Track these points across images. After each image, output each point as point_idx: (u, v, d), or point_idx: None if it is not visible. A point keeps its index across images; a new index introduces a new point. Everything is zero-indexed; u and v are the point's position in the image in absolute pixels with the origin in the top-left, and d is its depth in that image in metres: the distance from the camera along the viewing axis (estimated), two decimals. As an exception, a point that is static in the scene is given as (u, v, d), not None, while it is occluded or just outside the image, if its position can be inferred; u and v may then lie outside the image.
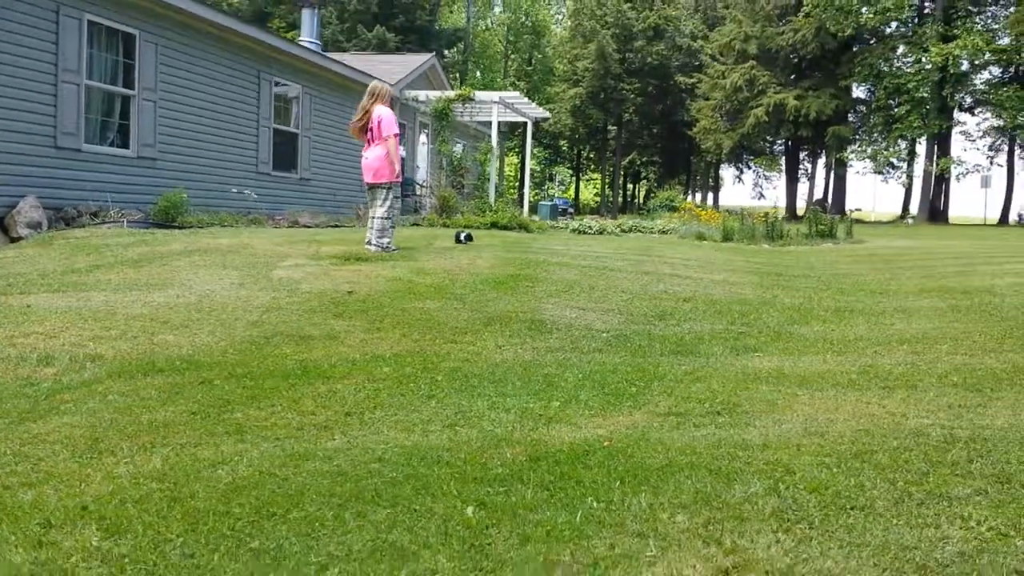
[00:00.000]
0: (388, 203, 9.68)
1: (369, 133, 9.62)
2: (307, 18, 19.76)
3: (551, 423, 3.98)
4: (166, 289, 7.08)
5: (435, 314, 6.70)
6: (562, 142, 62.25)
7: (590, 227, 19.99)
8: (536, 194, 41.44)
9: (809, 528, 2.61)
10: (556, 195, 46.82)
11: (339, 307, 6.80)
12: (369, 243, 9.77)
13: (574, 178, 66.69)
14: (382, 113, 9.56)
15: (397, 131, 9.69)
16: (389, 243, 9.70)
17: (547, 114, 29.20)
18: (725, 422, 3.93)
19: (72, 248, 8.90)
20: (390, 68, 20.18)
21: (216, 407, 4.19)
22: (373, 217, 9.79)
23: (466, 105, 20.59)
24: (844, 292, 9.31)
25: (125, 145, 11.70)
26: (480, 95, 20.71)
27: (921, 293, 8.98)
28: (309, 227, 13.60)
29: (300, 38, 19.51)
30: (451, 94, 20.64)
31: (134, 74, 11.67)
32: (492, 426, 3.92)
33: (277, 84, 15.34)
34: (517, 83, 59.44)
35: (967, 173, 42.24)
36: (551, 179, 64.31)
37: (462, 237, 11.58)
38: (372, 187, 9.76)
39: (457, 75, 52.15)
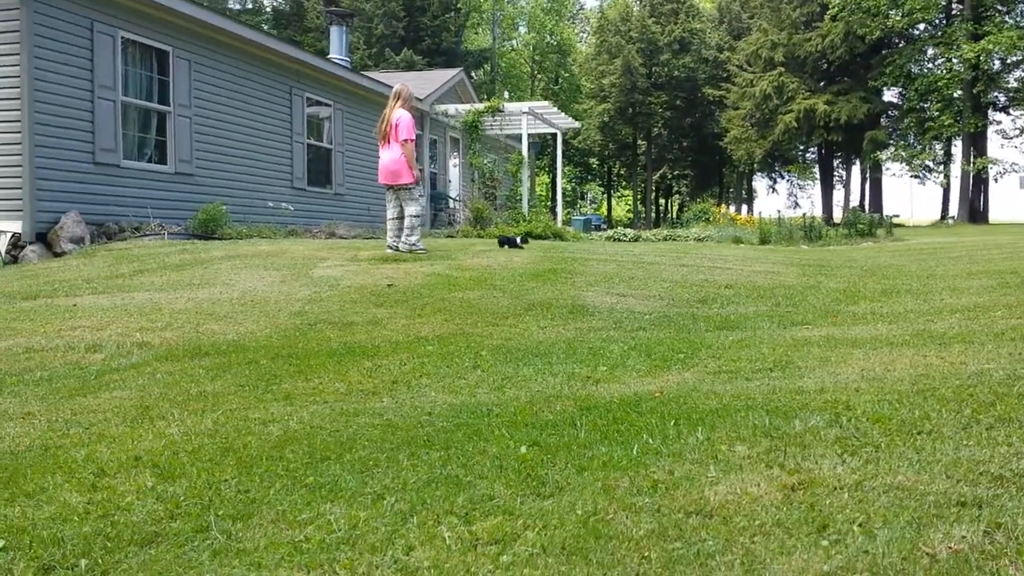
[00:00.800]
0: (416, 201, 9.67)
1: (386, 135, 9.61)
2: (336, 35, 19.95)
3: (599, 383, 3.93)
4: (209, 287, 7.13)
5: (475, 302, 6.67)
6: (592, 159, 62.12)
7: (625, 235, 19.89)
8: (568, 212, 41.39)
9: (875, 451, 2.53)
10: (588, 212, 46.64)
11: (380, 298, 6.81)
12: (391, 247, 9.74)
13: (605, 195, 66.52)
14: (401, 116, 9.53)
15: (413, 136, 9.61)
16: (418, 241, 9.67)
17: (577, 124, 29.16)
18: (778, 376, 3.85)
19: (115, 258, 9.02)
20: (419, 84, 20.29)
21: (264, 380, 4.19)
22: (393, 219, 9.76)
23: (495, 117, 20.62)
24: (889, 278, 9.16)
25: (163, 161, 11.86)
26: (509, 106, 20.76)
27: (969, 276, 8.80)
28: (345, 238, 13.67)
29: (330, 55, 19.69)
30: (480, 106, 20.69)
31: (169, 90, 11.84)
32: (540, 387, 3.88)
33: (309, 100, 15.50)
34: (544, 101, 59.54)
35: (1005, 172, 41.42)
36: (583, 197, 64.22)
37: (518, 241, 11.03)
38: (393, 188, 9.71)
39: (485, 96, 52.36)
